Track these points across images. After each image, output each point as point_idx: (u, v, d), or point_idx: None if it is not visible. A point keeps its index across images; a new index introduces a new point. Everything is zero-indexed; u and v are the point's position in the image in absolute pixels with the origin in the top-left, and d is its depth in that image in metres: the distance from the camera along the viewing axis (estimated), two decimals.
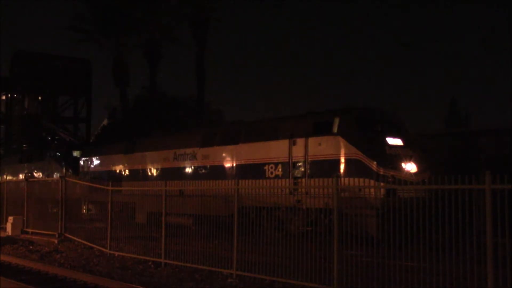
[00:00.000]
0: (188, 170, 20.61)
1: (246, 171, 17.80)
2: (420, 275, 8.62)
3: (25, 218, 20.80)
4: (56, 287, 11.74)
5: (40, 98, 54.19)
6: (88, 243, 16.70)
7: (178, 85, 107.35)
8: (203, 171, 19.92)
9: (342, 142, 15.30)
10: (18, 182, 26.03)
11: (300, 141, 16.27)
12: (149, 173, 22.64)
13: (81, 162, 28.29)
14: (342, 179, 11.14)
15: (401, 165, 14.72)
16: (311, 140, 15.98)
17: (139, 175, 23.06)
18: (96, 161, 27.00)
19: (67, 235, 18.24)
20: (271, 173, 17.10)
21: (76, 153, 32.96)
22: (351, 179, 10.90)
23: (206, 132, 21.07)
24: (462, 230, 8.11)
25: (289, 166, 16.46)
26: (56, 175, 26.68)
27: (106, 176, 24.03)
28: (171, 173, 20.65)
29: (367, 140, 15.26)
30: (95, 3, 38.29)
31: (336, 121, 15.61)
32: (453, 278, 8.21)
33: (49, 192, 20.13)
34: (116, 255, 14.98)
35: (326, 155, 15.60)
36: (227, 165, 18.93)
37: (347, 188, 10.79)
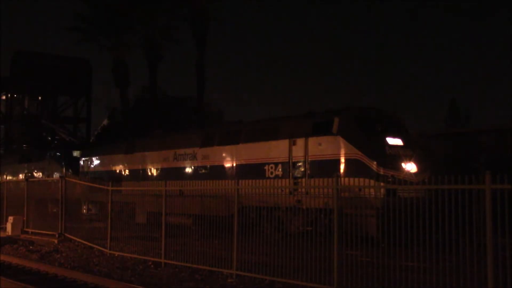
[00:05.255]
0: (188, 170, 20.60)
1: (246, 171, 17.79)
2: (420, 275, 8.62)
3: (25, 218, 20.76)
4: (56, 287, 11.75)
5: (40, 98, 54.25)
6: (88, 243, 16.69)
7: (178, 85, 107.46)
8: (203, 171, 19.92)
9: (342, 142, 15.30)
10: (18, 182, 26.01)
11: (300, 141, 16.27)
12: (149, 173, 22.63)
13: (81, 162, 28.28)
14: (342, 179, 11.13)
15: (401, 165, 14.71)
16: (311, 140, 15.98)
17: (139, 175, 23.06)
18: (96, 161, 26.99)
19: (67, 235, 18.23)
20: (271, 173, 17.09)
21: (76, 153, 32.87)
22: (351, 179, 10.89)
23: (206, 132, 21.05)
24: (462, 230, 8.10)
25: (289, 166, 16.45)
26: (56, 175, 26.63)
27: (106, 176, 24.02)
28: (171, 173, 20.65)
29: (367, 140, 15.26)
30: (95, 3, 38.27)
31: (336, 121, 15.61)
32: (453, 278, 8.20)
33: (49, 192, 20.12)
34: (116, 255, 14.98)
35: (326, 155, 15.60)
36: (227, 165, 18.92)
37: (347, 188, 10.79)
